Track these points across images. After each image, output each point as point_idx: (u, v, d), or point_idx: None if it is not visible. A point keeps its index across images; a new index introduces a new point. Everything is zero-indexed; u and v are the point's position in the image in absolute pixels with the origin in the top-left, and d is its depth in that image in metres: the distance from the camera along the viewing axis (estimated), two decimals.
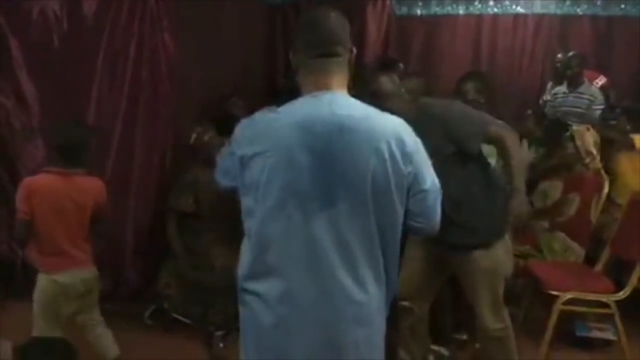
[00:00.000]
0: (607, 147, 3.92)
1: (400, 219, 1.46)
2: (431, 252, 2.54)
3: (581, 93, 4.66)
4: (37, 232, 2.50)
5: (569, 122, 4.17)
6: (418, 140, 1.49)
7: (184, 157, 3.67)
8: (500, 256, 2.46)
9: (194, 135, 3.44)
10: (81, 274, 2.55)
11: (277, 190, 1.38)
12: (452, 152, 2.35)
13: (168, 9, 3.64)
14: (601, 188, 3.48)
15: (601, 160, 3.79)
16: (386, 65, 3.99)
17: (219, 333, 3.22)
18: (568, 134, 3.83)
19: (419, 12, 5.84)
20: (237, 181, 1.47)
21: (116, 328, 3.27)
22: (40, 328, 2.53)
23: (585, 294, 2.95)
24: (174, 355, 3.13)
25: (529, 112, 4.65)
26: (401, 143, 1.42)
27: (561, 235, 3.53)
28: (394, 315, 1.62)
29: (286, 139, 1.39)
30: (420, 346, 2.78)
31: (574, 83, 4.70)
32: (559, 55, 4.97)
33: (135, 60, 3.51)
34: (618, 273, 3.21)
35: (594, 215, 3.45)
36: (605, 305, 2.93)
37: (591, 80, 4.85)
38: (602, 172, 3.62)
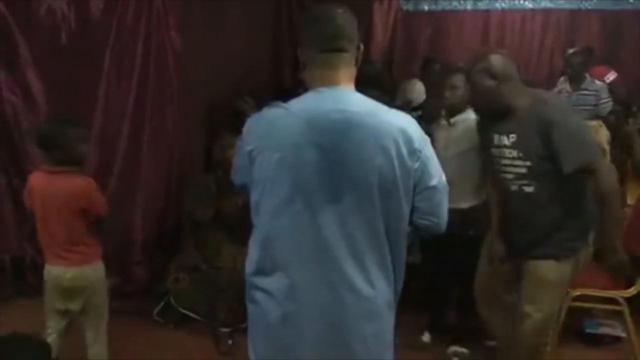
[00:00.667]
0: (624, 145, 3.87)
1: (407, 215, 1.46)
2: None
3: (585, 89, 4.62)
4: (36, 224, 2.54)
5: None
6: (426, 137, 1.49)
7: (192, 155, 3.68)
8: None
9: (217, 151, 3.41)
10: (68, 272, 2.45)
11: (284, 185, 1.38)
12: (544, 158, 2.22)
13: (173, 6, 3.64)
14: None
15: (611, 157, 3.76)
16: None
17: (226, 330, 3.23)
18: None
19: (426, 7, 5.83)
20: (246, 177, 1.47)
21: (125, 324, 3.30)
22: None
23: (595, 290, 2.93)
24: (182, 351, 3.14)
25: None
26: (408, 139, 1.41)
27: None
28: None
29: (293, 135, 1.39)
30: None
31: (576, 81, 4.65)
32: (570, 51, 4.93)
33: (142, 58, 3.52)
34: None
35: None
36: (614, 301, 2.91)
37: (601, 76, 4.81)
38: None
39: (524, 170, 2.25)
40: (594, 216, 2.29)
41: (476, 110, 2.66)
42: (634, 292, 2.89)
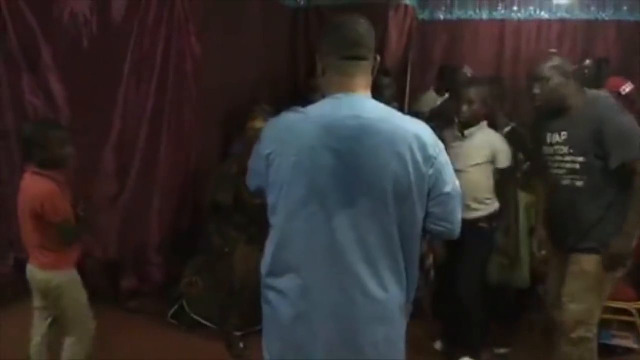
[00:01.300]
0: None
1: (420, 220, 1.48)
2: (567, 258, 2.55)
3: None
4: None
5: None
6: (440, 144, 1.51)
7: (208, 160, 3.73)
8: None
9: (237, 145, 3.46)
10: (38, 273, 2.46)
11: (300, 188, 1.42)
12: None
13: (194, 13, 3.70)
14: None
15: None
16: None
17: (238, 333, 3.25)
18: None
19: (441, 17, 5.84)
20: (263, 180, 1.50)
21: (139, 325, 3.35)
22: None
23: (608, 301, 2.91)
24: (195, 354, 3.17)
25: None
26: (423, 146, 1.44)
27: None
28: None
29: (310, 140, 1.42)
30: None
31: None
32: (587, 62, 4.91)
33: (162, 63, 3.58)
34: None
35: None
36: (628, 313, 2.90)
37: (617, 88, 4.77)
38: None
39: (575, 166, 2.42)
40: None
41: (536, 109, 2.68)
42: None
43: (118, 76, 3.55)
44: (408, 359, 1.57)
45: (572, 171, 2.43)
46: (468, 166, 2.90)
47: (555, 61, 2.47)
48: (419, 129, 1.48)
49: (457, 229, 1.54)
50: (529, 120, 5.09)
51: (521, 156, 3.37)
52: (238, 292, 3.22)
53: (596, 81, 4.59)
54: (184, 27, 3.63)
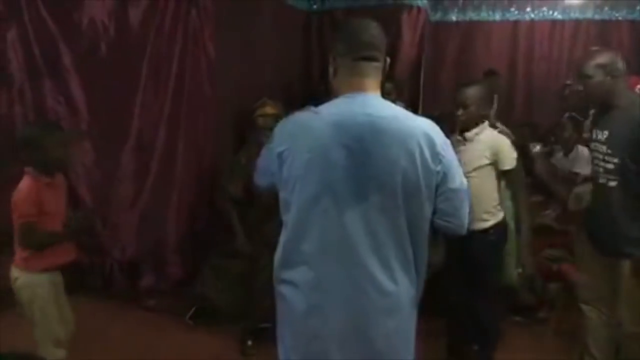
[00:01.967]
0: None
1: (429, 216, 1.53)
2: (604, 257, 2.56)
3: None
4: None
5: None
6: (448, 142, 1.56)
7: (222, 160, 3.78)
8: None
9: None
10: (12, 268, 2.49)
11: (312, 184, 1.47)
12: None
13: (209, 18, 3.77)
14: None
15: None
16: None
17: (256, 325, 3.24)
18: None
19: (454, 18, 5.86)
20: (275, 177, 1.56)
21: (157, 322, 3.42)
22: None
23: None
24: (211, 352, 3.22)
25: (566, 116, 4.61)
26: (431, 143, 1.49)
27: None
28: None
29: (322, 137, 1.48)
30: (602, 352, 2.71)
31: None
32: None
33: (178, 68, 3.65)
34: None
35: None
36: None
37: (634, 86, 4.76)
38: None
39: (611, 166, 2.40)
40: None
41: (587, 102, 2.69)
42: None
43: (135, 80, 3.62)
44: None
45: (608, 171, 2.42)
46: (470, 170, 2.69)
47: (602, 59, 2.40)
48: (427, 127, 1.52)
49: (464, 224, 1.58)
50: (542, 121, 5.15)
51: None
52: (258, 297, 3.17)
53: None
54: (199, 32, 3.69)
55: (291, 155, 1.50)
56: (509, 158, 2.76)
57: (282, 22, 4.85)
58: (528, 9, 5.72)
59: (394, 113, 1.52)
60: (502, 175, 2.79)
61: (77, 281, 3.68)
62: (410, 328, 1.57)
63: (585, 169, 3.87)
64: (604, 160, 2.44)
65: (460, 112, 2.80)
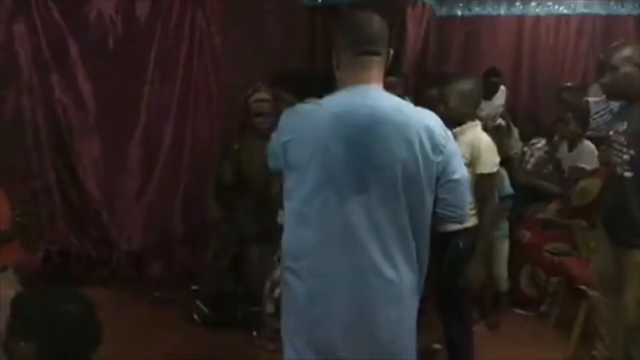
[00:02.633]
0: None
1: (430, 206, 1.55)
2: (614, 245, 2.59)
3: None
4: None
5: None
6: (449, 133, 1.59)
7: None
8: None
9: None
10: None
11: (314, 174, 1.50)
12: None
13: (215, 13, 3.80)
14: None
15: None
16: None
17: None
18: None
19: (459, 13, 5.85)
20: (280, 165, 1.60)
21: (164, 315, 3.45)
22: None
23: None
24: (218, 344, 3.24)
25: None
26: (431, 134, 1.51)
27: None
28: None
29: (323, 128, 1.51)
30: (613, 339, 2.71)
31: None
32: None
33: (184, 61, 3.69)
34: None
35: None
36: None
37: None
38: None
39: (627, 157, 2.43)
40: None
41: (608, 94, 2.67)
42: None
43: (143, 73, 3.67)
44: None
45: (624, 161, 2.45)
46: None
47: (628, 51, 2.42)
48: (428, 119, 1.55)
49: (466, 214, 1.63)
50: (547, 116, 5.16)
51: None
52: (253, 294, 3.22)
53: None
54: (206, 27, 3.73)
55: (294, 146, 1.54)
56: (489, 162, 2.63)
57: (287, 16, 4.87)
58: (533, 4, 5.70)
59: (395, 105, 1.55)
60: (478, 178, 2.59)
61: (84, 272, 3.76)
62: (412, 317, 1.59)
63: (589, 164, 3.89)
64: (621, 151, 2.48)
65: (442, 108, 2.70)
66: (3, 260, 2.48)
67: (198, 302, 3.39)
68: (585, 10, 5.57)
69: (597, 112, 3.68)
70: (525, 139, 4.75)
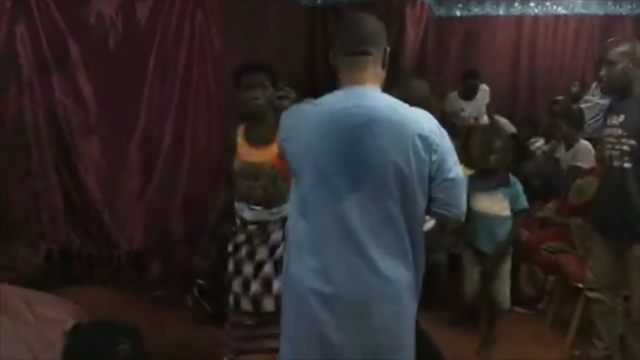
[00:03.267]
0: None
1: (422, 205, 1.57)
2: (614, 243, 2.63)
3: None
4: None
5: None
6: (443, 132, 1.60)
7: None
8: None
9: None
10: None
11: (309, 174, 1.55)
12: None
13: (215, 14, 3.81)
14: None
15: None
16: None
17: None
18: None
19: (458, 13, 5.89)
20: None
21: (163, 314, 3.46)
22: None
23: None
24: (217, 343, 3.26)
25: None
26: (425, 133, 1.53)
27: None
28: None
29: (318, 127, 1.55)
30: (612, 338, 2.77)
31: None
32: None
33: (185, 62, 3.70)
34: None
35: None
36: None
37: None
38: None
39: (627, 148, 2.47)
40: None
41: (603, 89, 2.73)
42: None
43: (143, 74, 3.68)
44: None
45: (624, 153, 2.49)
46: None
47: (626, 47, 2.49)
48: (422, 118, 1.57)
49: (462, 214, 1.62)
50: (545, 116, 5.17)
51: None
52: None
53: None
54: (206, 28, 3.74)
55: (291, 145, 1.59)
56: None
57: (287, 17, 4.89)
58: (532, 4, 5.75)
59: (389, 104, 1.57)
60: None
61: (84, 272, 3.78)
62: (410, 315, 1.61)
63: (586, 163, 3.91)
64: (619, 143, 2.51)
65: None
66: None
67: (198, 296, 3.36)
68: (584, 11, 5.61)
69: (592, 117, 3.73)
70: (524, 138, 4.78)
